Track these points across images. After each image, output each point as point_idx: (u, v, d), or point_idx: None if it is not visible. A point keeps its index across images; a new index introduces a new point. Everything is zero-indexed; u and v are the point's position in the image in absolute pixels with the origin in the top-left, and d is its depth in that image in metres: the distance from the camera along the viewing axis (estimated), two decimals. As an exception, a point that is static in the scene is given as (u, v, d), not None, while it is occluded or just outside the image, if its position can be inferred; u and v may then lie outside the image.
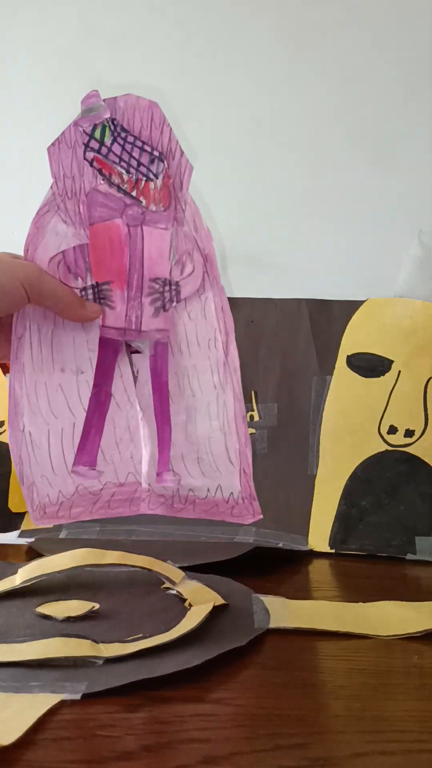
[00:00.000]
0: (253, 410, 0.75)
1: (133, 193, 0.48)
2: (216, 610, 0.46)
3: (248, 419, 0.74)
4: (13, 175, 0.88)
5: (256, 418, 0.74)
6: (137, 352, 0.50)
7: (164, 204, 0.49)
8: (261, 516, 0.50)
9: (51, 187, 0.49)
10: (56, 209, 0.49)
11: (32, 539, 0.69)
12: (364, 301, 0.74)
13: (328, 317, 0.75)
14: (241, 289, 0.80)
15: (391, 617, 0.47)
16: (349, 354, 0.73)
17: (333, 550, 0.68)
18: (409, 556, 0.66)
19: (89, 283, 0.49)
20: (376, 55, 0.82)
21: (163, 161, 0.48)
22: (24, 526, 0.72)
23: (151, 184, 0.48)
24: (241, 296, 0.78)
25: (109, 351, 0.50)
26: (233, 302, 0.78)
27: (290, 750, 0.31)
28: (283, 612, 0.47)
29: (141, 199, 0.48)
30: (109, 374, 0.50)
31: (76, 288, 0.49)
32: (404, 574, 0.62)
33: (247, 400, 0.75)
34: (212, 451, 0.50)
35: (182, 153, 0.49)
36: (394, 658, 0.42)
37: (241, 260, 0.83)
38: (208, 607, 0.45)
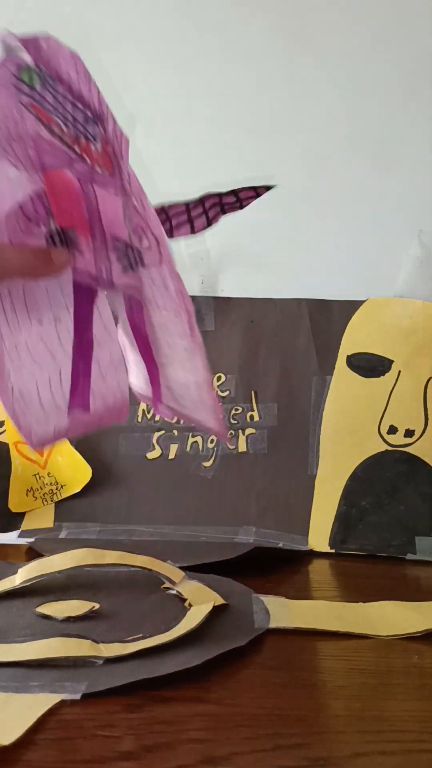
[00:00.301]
0: (253, 410, 0.75)
1: (76, 149, 0.43)
2: (216, 610, 0.46)
3: (248, 419, 0.74)
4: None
5: (256, 418, 0.74)
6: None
7: (108, 170, 0.44)
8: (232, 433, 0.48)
9: None
10: (4, 153, 0.43)
11: (32, 539, 0.69)
12: (364, 301, 0.74)
13: (328, 317, 0.75)
14: (241, 289, 0.80)
15: (391, 617, 0.47)
16: (349, 354, 0.73)
17: (333, 550, 0.68)
18: (409, 556, 0.66)
19: (53, 227, 0.45)
20: (376, 55, 0.82)
21: (97, 124, 0.43)
22: (24, 526, 0.72)
23: (92, 146, 0.43)
24: (241, 296, 0.78)
25: (85, 298, 0.48)
26: (233, 302, 0.79)
27: (290, 750, 0.31)
28: (283, 612, 0.47)
29: (84, 156, 0.43)
30: (87, 322, 0.48)
31: (40, 236, 0.44)
32: (404, 574, 0.62)
33: (247, 400, 0.75)
34: (189, 396, 0.49)
35: (115, 122, 0.43)
36: (394, 658, 0.42)
37: (242, 260, 0.83)
38: (208, 607, 0.45)
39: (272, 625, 0.45)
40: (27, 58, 0.41)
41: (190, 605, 0.47)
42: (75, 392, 0.49)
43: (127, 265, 0.47)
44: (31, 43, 0.41)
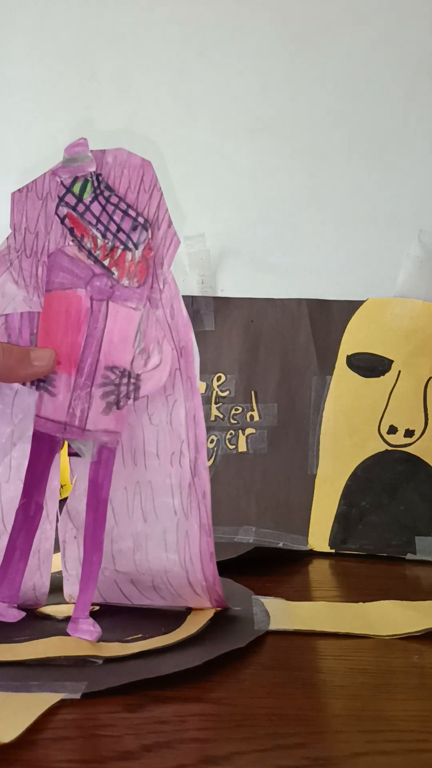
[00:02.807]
0: (253, 410, 0.75)
1: (106, 262, 0.42)
2: (216, 611, 0.46)
3: (248, 419, 0.74)
4: (11, 175, 0.88)
5: (256, 418, 0.74)
6: (76, 454, 0.42)
7: (139, 279, 0.41)
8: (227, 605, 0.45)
9: (7, 238, 0.42)
10: (8, 266, 0.41)
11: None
12: (364, 301, 0.74)
13: (328, 317, 0.75)
14: (241, 289, 0.80)
15: (391, 617, 0.47)
16: (349, 354, 0.73)
17: (333, 550, 0.68)
18: (409, 556, 0.66)
19: None
20: (377, 55, 0.82)
21: (147, 230, 0.41)
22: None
23: (128, 255, 0.41)
24: (241, 296, 0.78)
25: (44, 449, 0.42)
26: (233, 302, 0.79)
27: (290, 750, 0.31)
28: (283, 614, 0.47)
29: (113, 269, 0.42)
30: (42, 480, 0.42)
31: None
32: (404, 574, 0.62)
33: (247, 400, 0.75)
34: (171, 583, 0.42)
35: (170, 224, 0.41)
36: (394, 658, 0.42)
37: (241, 260, 0.83)
38: (209, 614, 0.45)
39: (272, 627, 0.45)
40: (90, 168, 0.41)
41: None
42: (6, 572, 0.42)
43: (114, 402, 0.42)
44: (97, 156, 0.41)
